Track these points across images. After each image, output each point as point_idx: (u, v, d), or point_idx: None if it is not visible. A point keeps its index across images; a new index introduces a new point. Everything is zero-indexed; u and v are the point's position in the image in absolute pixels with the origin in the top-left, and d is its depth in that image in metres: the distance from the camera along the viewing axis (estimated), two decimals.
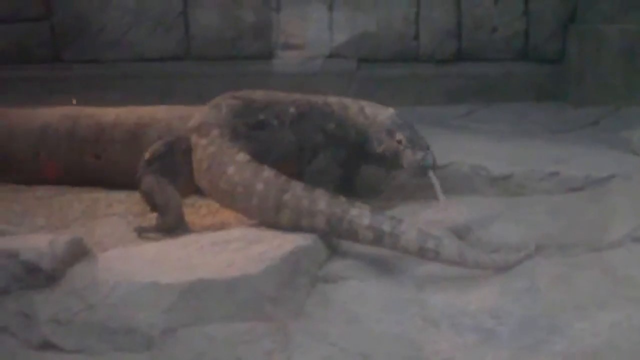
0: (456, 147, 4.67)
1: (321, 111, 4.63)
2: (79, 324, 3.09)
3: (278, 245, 3.49)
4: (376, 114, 4.53)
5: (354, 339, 3.00)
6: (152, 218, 4.32)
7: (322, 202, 3.70)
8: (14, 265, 3.23)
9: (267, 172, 3.86)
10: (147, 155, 4.36)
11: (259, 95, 4.60)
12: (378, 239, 3.57)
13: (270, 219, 3.84)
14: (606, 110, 6.82)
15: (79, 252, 3.45)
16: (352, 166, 4.67)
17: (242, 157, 3.99)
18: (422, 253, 3.49)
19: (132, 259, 3.47)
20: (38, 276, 3.24)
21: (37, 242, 3.38)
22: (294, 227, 3.74)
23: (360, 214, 3.61)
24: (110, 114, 5.21)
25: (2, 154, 5.29)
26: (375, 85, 7.40)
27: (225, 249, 3.48)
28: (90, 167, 5.15)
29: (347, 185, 4.57)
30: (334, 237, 3.75)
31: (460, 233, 3.86)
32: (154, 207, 4.30)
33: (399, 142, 4.31)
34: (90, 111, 5.29)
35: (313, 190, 3.74)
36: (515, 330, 3.00)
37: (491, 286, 3.32)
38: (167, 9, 7.67)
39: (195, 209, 4.61)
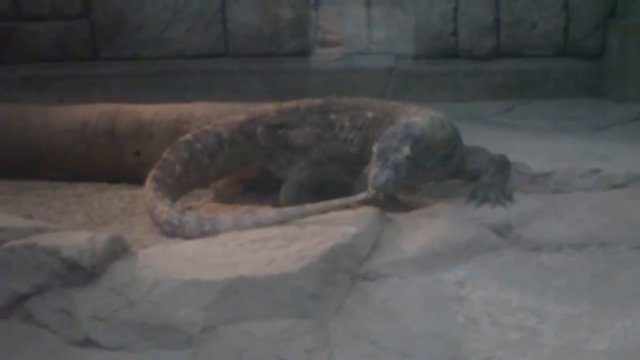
0: (495, 144, 4.61)
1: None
2: (119, 321, 3.11)
3: (318, 242, 3.47)
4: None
5: (394, 337, 2.99)
6: None
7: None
8: (54, 262, 3.26)
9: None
10: None
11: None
12: (172, 231, 4.07)
13: None
14: None
15: (119, 249, 3.47)
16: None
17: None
18: (204, 235, 3.90)
19: (172, 256, 3.48)
20: (78, 273, 3.26)
21: (78, 239, 3.39)
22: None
23: (161, 211, 4.15)
24: (149, 111, 5.24)
25: (42, 151, 5.33)
26: (413, 81, 7.38)
27: (264, 247, 3.48)
28: (130, 164, 5.18)
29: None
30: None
31: (501, 230, 3.82)
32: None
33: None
34: (129, 108, 5.32)
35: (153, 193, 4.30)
36: (557, 329, 2.97)
37: (532, 284, 3.30)
38: (205, 6, 7.69)
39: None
